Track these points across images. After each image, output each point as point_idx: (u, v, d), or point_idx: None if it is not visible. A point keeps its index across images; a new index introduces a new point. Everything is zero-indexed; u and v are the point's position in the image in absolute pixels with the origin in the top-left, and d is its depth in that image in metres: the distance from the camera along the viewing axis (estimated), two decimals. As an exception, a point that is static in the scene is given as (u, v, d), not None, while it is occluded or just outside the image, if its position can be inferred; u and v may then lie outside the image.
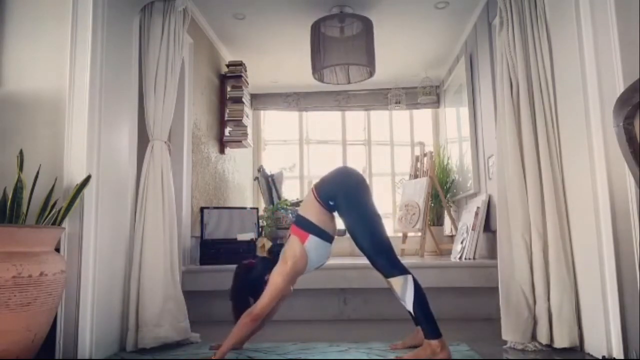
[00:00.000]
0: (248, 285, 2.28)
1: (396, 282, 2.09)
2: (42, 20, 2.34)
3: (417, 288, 2.08)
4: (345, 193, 2.20)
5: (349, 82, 4.28)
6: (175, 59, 2.68)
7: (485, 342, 2.40)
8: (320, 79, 4.14)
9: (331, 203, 2.21)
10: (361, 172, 2.44)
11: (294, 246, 2.18)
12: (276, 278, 2.15)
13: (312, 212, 2.22)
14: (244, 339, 2.31)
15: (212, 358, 2.07)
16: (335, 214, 2.27)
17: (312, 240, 2.18)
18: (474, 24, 4.13)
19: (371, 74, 4.04)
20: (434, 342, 2.04)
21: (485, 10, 3.78)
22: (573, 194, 2.25)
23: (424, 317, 2.07)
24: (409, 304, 2.06)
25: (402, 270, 2.11)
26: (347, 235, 5.59)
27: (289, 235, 2.26)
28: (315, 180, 2.39)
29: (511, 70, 2.47)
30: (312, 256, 2.19)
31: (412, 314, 2.08)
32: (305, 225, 2.20)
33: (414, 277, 2.12)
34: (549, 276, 2.24)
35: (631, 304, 1.94)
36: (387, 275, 2.12)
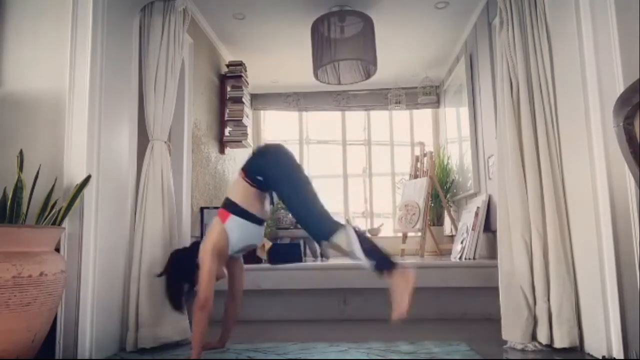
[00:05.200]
0: (182, 270, 2.23)
1: (340, 238, 2.03)
2: (42, 20, 2.34)
3: (358, 233, 2.06)
4: (274, 166, 2.18)
5: (350, 82, 4.28)
6: (175, 59, 2.68)
7: (485, 342, 2.40)
8: (322, 79, 4.14)
9: (259, 178, 2.18)
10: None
11: (213, 225, 2.20)
12: (202, 260, 2.13)
13: (238, 193, 2.21)
14: (225, 337, 2.39)
15: (189, 359, 2.07)
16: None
17: (232, 219, 2.17)
18: (474, 24, 4.13)
19: (374, 71, 4.04)
20: (396, 272, 1.99)
21: (485, 10, 3.78)
22: (573, 193, 2.25)
23: (375, 255, 2.02)
24: (359, 252, 2.00)
25: (339, 225, 2.07)
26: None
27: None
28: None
29: (511, 70, 2.47)
30: (234, 235, 2.17)
31: (367, 259, 2.01)
32: (228, 206, 2.20)
33: (349, 224, 2.09)
34: (549, 276, 2.24)
35: (631, 304, 1.94)
36: (331, 235, 2.04)
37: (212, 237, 2.16)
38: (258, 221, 2.24)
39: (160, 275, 2.27)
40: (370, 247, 2.03)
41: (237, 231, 2.19)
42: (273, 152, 2.27)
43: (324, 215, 2.11)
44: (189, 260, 2.20)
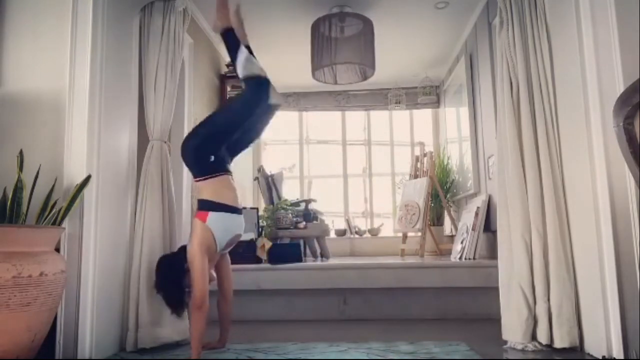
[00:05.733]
0: (171, 274, 2.21)
1: (240, 68, 2.55)
2: (42, 20, 2.34)
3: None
4: (202, 126, 2.39)
5: (346, 83, 4.29)
6: (175, 59, 2.68)
7: (485, 342, 2.40)
8: (319, 78, 4.14)
9: (212, 159, 2.23)
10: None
11: (195, 227, 2.18)
12: (192, 261, 2.12)
13: (205, 191, 2.23)
14: (224, 337, 2.39)
15: (189, 359, 2.07)
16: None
17: (212, 216, 2.18)
18: (474, 24, 4.13)
19: (371, 73, 4.05)
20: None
21: (485, 10, 3.78)
22: (573, 194, 2.25)
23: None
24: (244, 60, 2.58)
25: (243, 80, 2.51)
26: (347, 235, 5.58)
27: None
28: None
29: (511, 70, 2.47)
30: (218, 230, 2.18)
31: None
32: (202, 206, 2.21)
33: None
34: (549, 276, 2.24)
35: (631, 304, 1.94)
36: (249, 79, 2.59)
37: (197, 236, 2.14)
38: (236, 211, 2.26)
39: (156, 288, 2.23)
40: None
41: (219, 225, 2.19)
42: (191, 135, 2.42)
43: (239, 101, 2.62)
44: (178, 264, 2.19)
